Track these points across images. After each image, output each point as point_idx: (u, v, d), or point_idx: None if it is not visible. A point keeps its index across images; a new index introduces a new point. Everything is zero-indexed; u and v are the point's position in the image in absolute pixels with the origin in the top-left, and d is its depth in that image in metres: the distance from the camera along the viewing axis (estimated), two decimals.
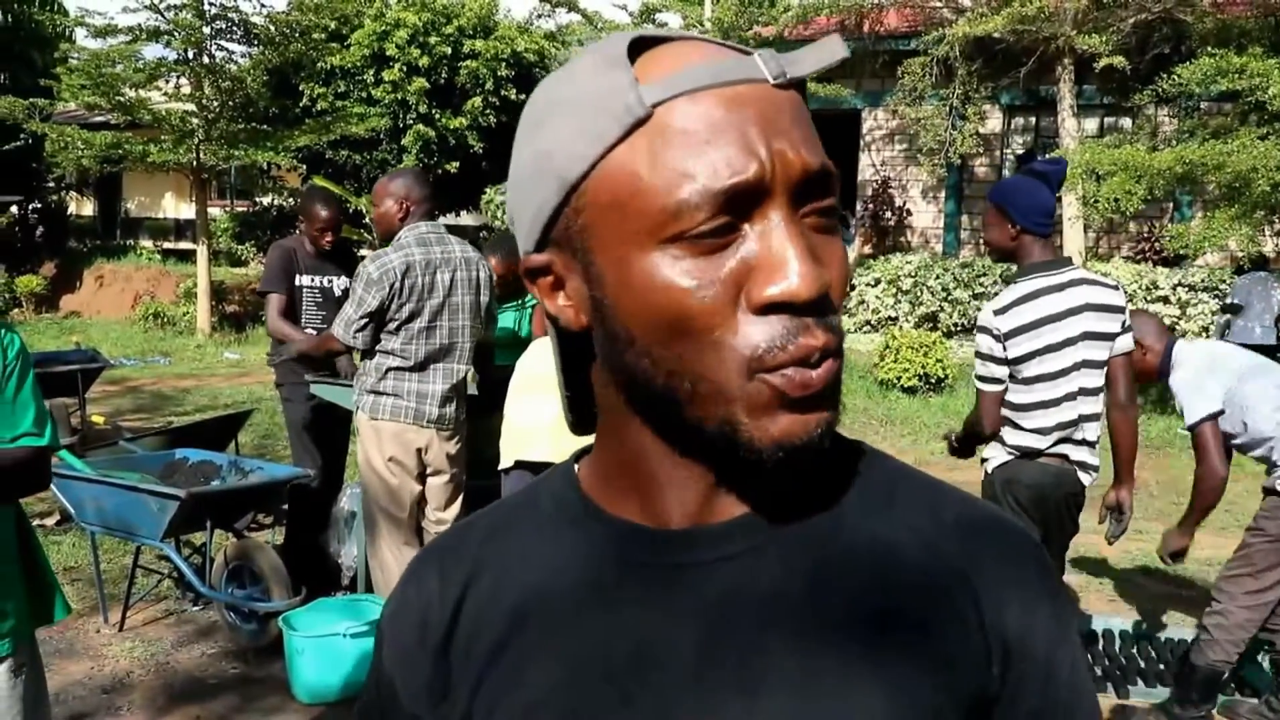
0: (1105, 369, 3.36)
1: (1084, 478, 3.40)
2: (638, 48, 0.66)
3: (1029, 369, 3.34)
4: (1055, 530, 3.39)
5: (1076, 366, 3.31)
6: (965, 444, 3.63)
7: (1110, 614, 5.01)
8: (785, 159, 0.63)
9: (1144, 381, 3.92)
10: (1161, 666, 4.31)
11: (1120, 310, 3.35)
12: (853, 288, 13.65)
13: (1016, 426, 3.39)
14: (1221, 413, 3.69)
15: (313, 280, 5.14)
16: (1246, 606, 3.71)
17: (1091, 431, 3.37)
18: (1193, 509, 3.79)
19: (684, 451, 0.70)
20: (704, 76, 0.64)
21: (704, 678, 0.67)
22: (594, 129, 0.65)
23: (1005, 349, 3.37)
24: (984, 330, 3.41)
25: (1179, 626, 4.76)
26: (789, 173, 0.63)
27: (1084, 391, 3.32)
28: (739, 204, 0.62)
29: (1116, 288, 3.39)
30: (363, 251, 14.12)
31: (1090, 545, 5.70)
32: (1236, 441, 3.80)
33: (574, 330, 0.71)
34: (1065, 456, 3.37)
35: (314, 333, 5.07)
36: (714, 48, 0.67)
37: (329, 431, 5.17)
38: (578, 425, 0.81)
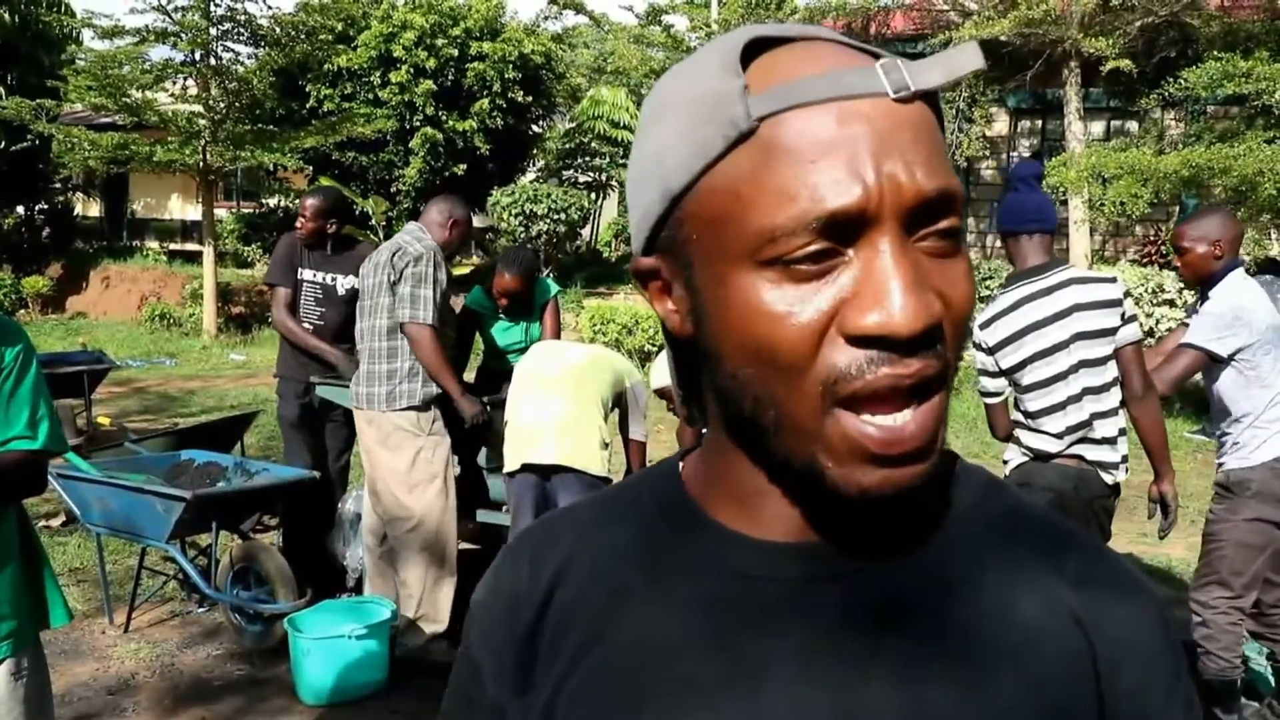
0: (1112, 364, 3.34)
1: (1107, 478, 3.36)
2: (759, 48, 0.63)
3: (1024, 377, 3.35)
4: None
5: (1075, 368, 3.30)
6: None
7: None
8: (896, 183, 0.58)
9: (1190, 279, 3.78)
10: None
11: (1117, 304, 3.31)
12: None
13: (1031, 430, 3.39)
14: (1222, 362, 3.58)
15: (314, 275, 5.14)
16: (1225, 612, 3.67)
17: (1107, 428, 3.33)
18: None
19: (778, 477, 0.68)
20: (817, 89, 0.59)
21: (800, 698, 0.64)
22: (700, 139, 0.62)
23: (996, 362, 3.41)
24: (975, 345, 3.42)
25: (1186, 629, 4.73)
26: (900, 199, 0.59)
27: (1090, 391, 3.30)
28: (841, 230, 0.59)
29: (1113, 281, 3.36)
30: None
31: None
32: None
33: (679, 336, 0.69)
34: (1082, 458, 3.34)
35: (310, 328, 5.09)
36: (836, 52, 0.63)
37: (321, 430, 5.18)
38: (692, 420, 0.80)
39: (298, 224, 5.16)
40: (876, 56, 0.63)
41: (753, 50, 0.63)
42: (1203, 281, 3.72)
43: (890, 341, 0.58)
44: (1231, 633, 3.68)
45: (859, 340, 0.59)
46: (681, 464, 0.78)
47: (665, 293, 0.69)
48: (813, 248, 0.59)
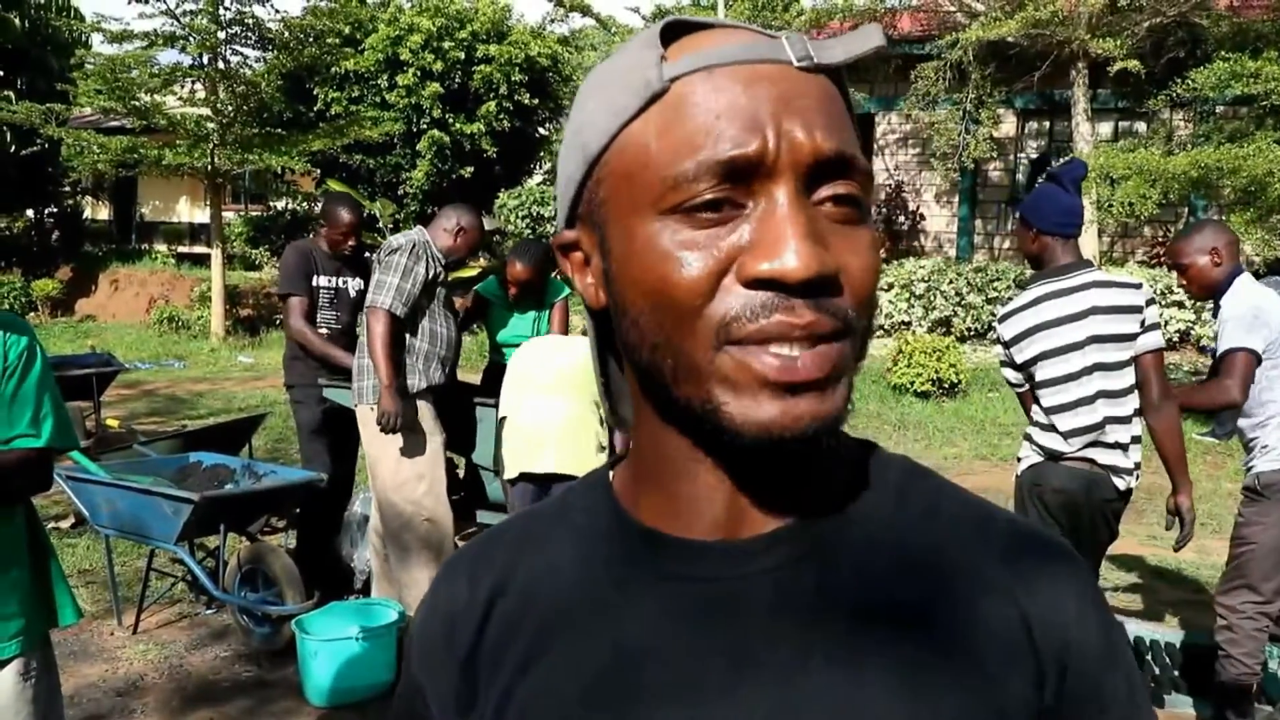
0: (1130, 369, 3.31)
1: (1118, 482, 3.34)
2: (680, 31, 0.67)
3: (1038, 373, 3.38)
4: (1088, 538, 3.33)
5: (1089, 370, 3.29)
6: None
7: (1124, 620, 4.97)
8: (794, 139, 0.61)
9: (1198, 293, 3.76)
10: (1176, 673, 4.27)
11: (1137, 310, 3.28)
12: None
13: (1044, 428, 3.39)
14: (1260, 359, 3.53)
15: (329, 281, 5.17)
16: (1252, 617, 3.62)
17: (1120, 433, 3.31)
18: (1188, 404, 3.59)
19: (696, 441, 0.68)
20: (725, 54, 0.63)
21: (740, 696, 0.66)
22: (617, 104, 0.66)
23: (1011, 356, 3.48)
24: (995, 339, 3.48)
25: (1195, 631, 4.72)
26: (797, 155, 0.61)
27: (1105, 394, 3.28)
28: (739, 178, 0.61)
29: (1137, 287, 3.32)
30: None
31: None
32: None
33: (595, 310, 0.72)
34: (1092, 461, 3.32)
35: (326, 333, 5.10)
36: (748, 32, 0.66)
37: (340, 435, 5.18)
38: (614, 418, 0.81)
39: (345, 244, 5.15)
40: (776, 39, 0.66)
41: (674, 35, 0.67)
42: (1210, 292, 3.70)
43: (783, 286, 0.60)
44: (1256, 639, 3.63)
45: (753, 284, 0.61)
46: (612, 473, 0.79)
47: (585, 265, 0.72)
48: (711, 195, 0.62)
